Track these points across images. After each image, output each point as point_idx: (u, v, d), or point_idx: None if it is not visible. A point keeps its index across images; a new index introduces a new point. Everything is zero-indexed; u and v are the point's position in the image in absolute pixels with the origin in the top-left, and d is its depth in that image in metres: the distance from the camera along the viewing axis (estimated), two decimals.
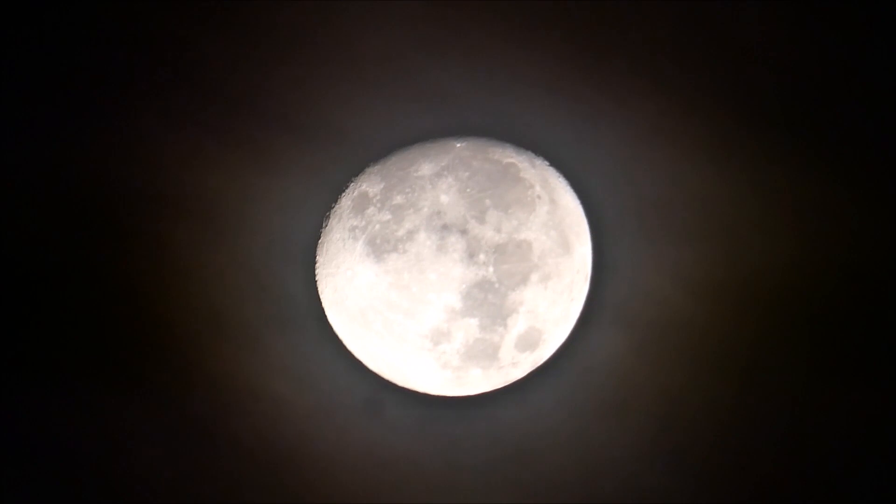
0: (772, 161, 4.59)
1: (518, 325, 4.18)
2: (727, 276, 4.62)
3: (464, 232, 4.05)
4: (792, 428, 4.68)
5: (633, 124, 4.54)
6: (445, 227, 4.06)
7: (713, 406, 4.70)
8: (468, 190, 4.11)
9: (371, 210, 4.18)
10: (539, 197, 4.22)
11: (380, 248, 4.11)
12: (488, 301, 4.08)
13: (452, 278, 4.05)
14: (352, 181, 4.37)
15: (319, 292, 4.42)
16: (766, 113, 4.58)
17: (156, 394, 4.63)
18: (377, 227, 4.14)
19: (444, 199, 4.10)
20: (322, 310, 4.43)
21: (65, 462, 4.63)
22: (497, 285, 4.08)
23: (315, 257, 4.42)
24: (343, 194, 4.35)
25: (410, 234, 4.07)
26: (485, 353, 4.20)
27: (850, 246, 4.59)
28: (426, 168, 4.19)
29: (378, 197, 4.20)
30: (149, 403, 4.62)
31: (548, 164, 4.44)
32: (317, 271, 4.41)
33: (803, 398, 4.67)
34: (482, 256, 4.05)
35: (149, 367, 4.60)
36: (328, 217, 4.37)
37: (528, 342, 4.26)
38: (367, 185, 4.28)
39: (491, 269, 4.06)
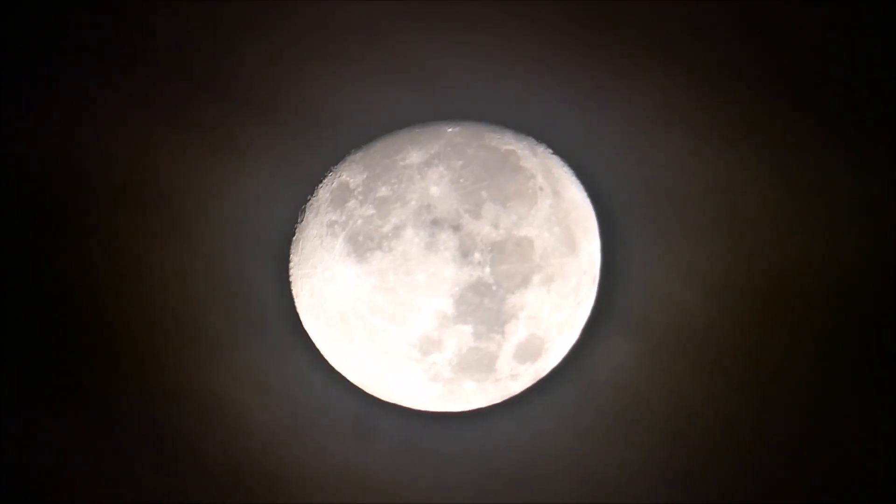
0: (802, 147, 4.43)
1: (518, 333, 4.05)
2: (752, 279, 4.46)
3: (457, 228, 3.93)
4: (823, 448, 4.52)
5: (647, 106, 4.39)
6: (436, 223, 3.94)
7: (734, 423, 4.55)
8: (461, 180, 4.00)
9: (352, 203, 4.06)
10: (541, 189, 4.10)
11: (362, 245, 3.99)
12: (484, 306, 3.96)
13: (444, 280, 3.93)
14: (330, 171, 4.26)
15: (294, 295, 4.31)
16: (796, 92, 4.43)
17: (107, 409, 4.46)
18: (359, 222, 4.01)
19: (434, 190, 3.99)
20: (296, 315, 4.32)
21: (5, 487, 4.42)
22: (494, 288, 3.95)
23: (289, 256, 4.30)
24: (320, 185, 4.24)
25: (396, 231, 3.96)
26: (480, 363, 4.07)
27: (889, 244, 4.41)
28: (414, 156, 4.08)
29: (360, 188, 4.08)
30: (99, 419, 4.44)
31: (551, 151, 4.31)
32: (291, 272, 4.30)
33: (836, 415, 4.51)
34: (477, 255, 3.93)
35: (98, 378, 4.43)
36: (304, 211, 4.26)
37: (528, 352, 4.13)
38: (348, 174, 4.16)
39: (487, 269, 3.94)
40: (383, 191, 4.04)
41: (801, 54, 4.42)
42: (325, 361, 4.38)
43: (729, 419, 4.55)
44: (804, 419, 4.54)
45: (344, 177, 4.19)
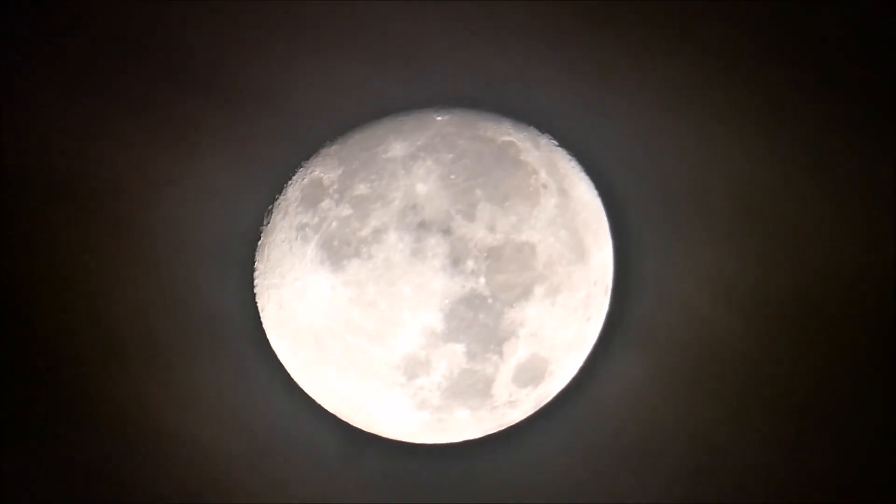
0: (841, 136, 4.29)
1: (517, 353, 3.89)
2: (784, 289, 4.35)
3: (447, 232, 3.78)
4: (864, 487, 4.33)
5: (666, 90, 4.28)
6: (423, 226, 3.78)
7: (762, 457, 4.45)
8: (452, 177, 3.84)
9: (326, 203, 3.91)
10: (545, 186, 3.95)
11: (337, 252, 3.83)
12: (479, 321, 3.80)
13: (432, 292, 3.77)
14: (301, 165, 4.13)
15: (259, 309, 4.17)
16: (833, 71, 4.29)
17: (39, 435, 4.31)
18: (334, 224, 3.86)
19: (420, 188, 3.83)
20: (262, 333, 4.20)
21: None
22: (490, 301, 3.79)
23: (253, 264, 4.18)
24: (289, 182, 4.11)
25: (377, 235, 3.79)
26: (474, 388, 3.93)
27: None
28: (398, 148, 3.91)
29: (335, 186, 3.92)
30: (30, 447, 4.30)
31: (556, 143, 4.17)
32: (255, 282, 4.16)
33: (879, 448, 4.32)
34: (471, 263, 3.76)
35: (29, 400, 4.29)
36: (270, 212, 4.13)
37: (530, 375, 3.98)
38: (322, 170, 4.02)
39: (482, 279, 3.78)
40: (362, 188, 3.88)
41: (838, 26, 4.27)
42: (296, 386, 4.25)
43: (756, 452, 4.44)
44: (843, 454, 4.38)
45: (317, 172, 4.05)
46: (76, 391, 4.33)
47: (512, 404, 4.07)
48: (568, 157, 4.20)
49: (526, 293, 3.85)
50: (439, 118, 4.06)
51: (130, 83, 4.21)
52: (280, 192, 4.14)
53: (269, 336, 4.24)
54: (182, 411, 4.34)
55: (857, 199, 4.36)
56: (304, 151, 4.14)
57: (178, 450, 4.35)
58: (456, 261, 3.77)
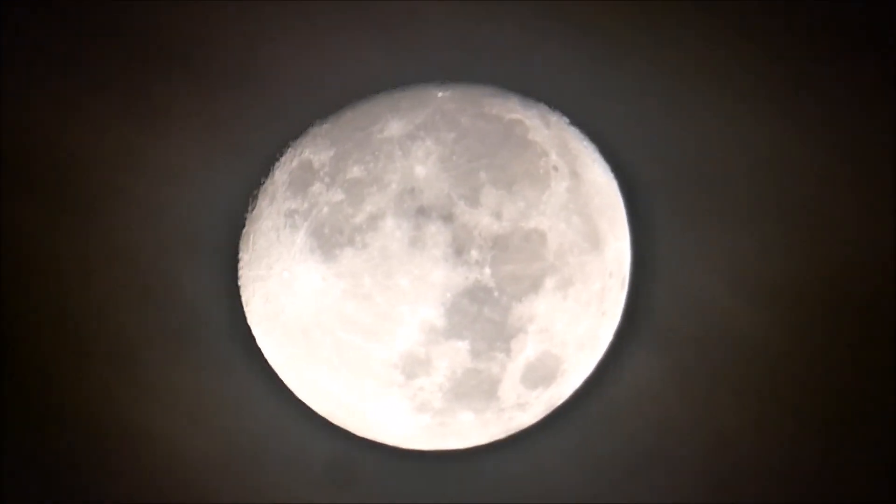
0: (871, 115, 4.11)
1: (526, 351, 3.78)
2: (818, 283, 4.16)
3: (448, 218, 3.66)
4: None
5: (686, 65, 4.10)
6: (422, 212, 3.67)
7: (790, 461, 4.26)
8: (454, 158, 3.72)
9: (317, 187, 3.81)
10: (556, 168, 3.82)
11: (329, 240, 3.73)
12: (484, 316, 3.69)
13: (432, 284, 3.66)
14: (289, 146, 4.03)
15: (243, 303, 4.07)
16: (863, 46, 4.12)
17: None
18: (325, 210, 3.75)
19: (419, 170, 3.71)
20: (247, 328, 4.11)
21: None
22: (496, 294, 3.67)
23: (237, 254, 4.08)
24: (276, 164, 4.02)
25: (373, 222, 3.68)
26: (479, 389, 3.81)
27: None
28: (395, 127, 3.79)
29: (326, 168, 3.81)
30: None
31: (568, 121, 4.05)
32: (240, 273, 4.06)
33: None
34: (475, 253, 3.65)
35: None
36: (255, 197, 4.03)
37: (540, 374, 3.86)
38: (311, 151, 3.91)
39: (487, 270, 3.66)
40: (355, 171, 3.77)
41: None
42: (283, 387, 4.16)
43: (783, 459, 4.31)
44: (880, 462, 4.22)
45: (306, 154, 3.94)
46: (37, 391, 4.24)
47: (521, 407, 3.98)
48: (581, 136, 4.10)
49: (535, 286, 3.75)
50: (440, 94, 3.96)
51: (99, 58, 4.07)
52: (266, 176, 4.05)
53: (254, 332, 4.16)
54: (156, 414, 4.24)
55: (891, 182, 4.20)
56: (292, 131, 4.05)
57: (152, 456, 4.25)
58: (458, 250, 3.68)
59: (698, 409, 4.28)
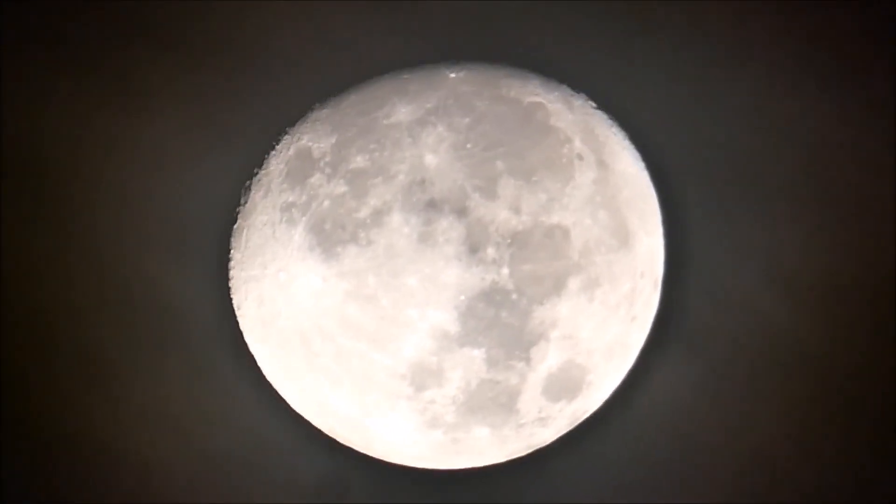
0: None
1: (548, 360, 3.66)
2: (862, 282, 4.10)
3: (462, 212, 3.56)
4: None
5: (721, 42, 4.09)
6: (433, 205, 3.57)
7: (833, 477, 4.20)
8: (468, 146, 3.62)
9: (317, 178, 3.71)
10: (580, 157, 3.70)
11: (330, 237, 3.63)
12: (501, 321, 3.57)
13: (444, 285, 3.56)
14: (286, 132, 3.95)
15: (235, 307, 3.99)
16: None
17: None
18: (326, 204, 3.64)
19: (430, 160, 3.61)
20: (239, 334, 4.02)
21: None
22: (515, 297, 3.56)
23: (228, 251, 3.99)
24: (272, 153, 3.93)
25: (378, 216, 3.58)
26: (496, 402, 3.72)
27: None
28: (403, 111, 3.70)
29: (328, 158, 3.71)
30: None
31: (594, 104, 3.96)
32: (231, 273, 3.98)
33: None
34: (491, 251, 3.54)
35: None
36: (248, 188, 3.95)
37: (563, 386, 3.75)
38: (311, 138, 3.83)
39: (505, 270, 3.55)
40: (359, 161, 3.67)
41: None
42: (280, 400, 4.09)
43: (826, 475, 4.22)
44: None
45: (305, 141, 3.87)
46: (14, 405, 4.16)
47: (542, 422, 3.89)
48: (609, 121, 4.02)
49: (558, 287, 3.65)
50: (452, 75, 3.88)
51: (74, 35, 3.94)
52: (260, 165, 3.97)
53: (246, 339, 4.09)
54: (135, 431, 4.19)
55: None
56: (290, 116, 3.97)
57: (131, 477, 4.18)
58: (473, 248, 3.59)
59: (735, 424, 4.26)
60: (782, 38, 4.10)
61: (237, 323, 4.07)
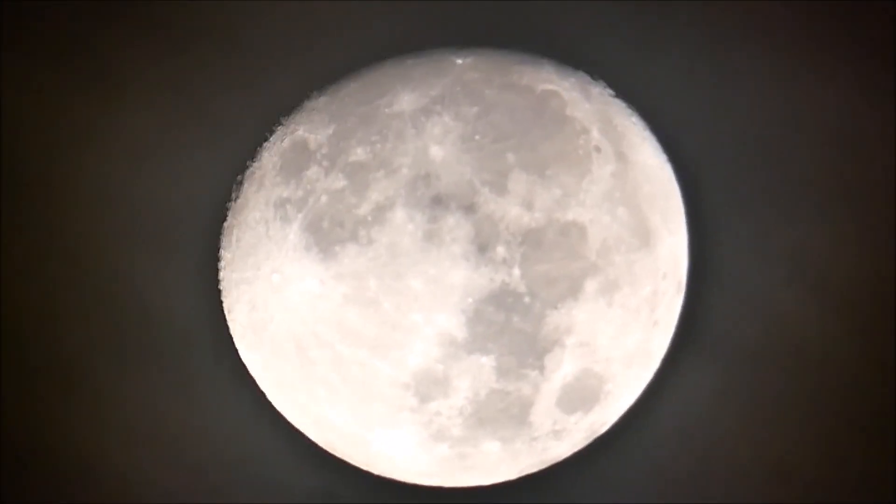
0: None
1: (563, 368, 3.53)
2: None
3: (470, 209, 3.43)
4: None
5: (751, 22, 3.88)
6: (439, 201, 3.43)
7: (868, 496, 3.98)
8: (477, 137, 3.48)
9: (313, 172, 3.58)
10: (598, 149, 3.57)
11: (328, 236, 3.50)
12: (512, 326, 3.45)
13: (451, 287, 3.43)
14: (280, 122, 3.85)
15: (225, 310, 3.89)
16: None
17: None
18: (323, 200, 3.51)
19: (435, 152, 3.48)
20: (229, 341, 3.90)
21: None
22: (527, 300, 3.43)
23: (217, 251, 3.88)
24: (265, 145, 3.82)
25: (380, 213, 3.46)
26: (507, 414, 3.59)
27: None
28: (406, 100, 3.57)
29: (325, 150, 3.58)
30: None
31: (612, 92, 3.84)
32: (221, 275, 3.87)
33: None
34: (501, 250, 3.40)
35: None
36: (239, 183, 3.85)
37: (580, 396, 3.62)
38: (307, 128, 3.70)
39: (516, 271, 3.42)
40: (359, 153, 3.54)
41: None
42: (273, 411, 3.98)
43: (861, 494, 4.01)
44: None
45: (300, 132, 3.75)
46: None
47: (556, 435, 3.76)
48: (628, 110, 3.89)
49: (573, 290, 3.52)
50: (460, 61, 3.76)
51: (46, 17, 3.80)
52: (252, 158, 3.87)
53: (237, 346, 3.98)
54: (117, 446, 4.01)
55: None
56: (284, 104, 3.86)
57: (112, 496, 3.96)
58: (482, 247, 3.46)
59: (764, 437, 4.05)
60: (819, 21, 3.87)
61: (227, 329, 3.95)
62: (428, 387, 3.60)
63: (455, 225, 3.47)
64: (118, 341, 3.98)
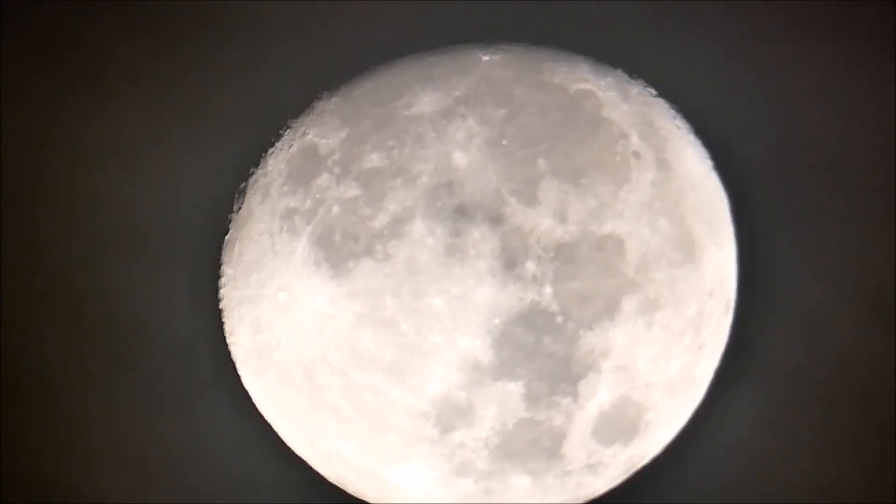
0: None
1: (599, 396, 3.36)
2: None
3: (497, 221, 3.28)
4: None
5: (808, 24, 3.70)
6: (462, 212, 3.29)
7: None
8: (504, 142, 3.35)
9: (324, 179, 3.43)
10: (637, 155, 3.43)
11: (340, 250, 3.36)
12: (543, 349, 3.29)
13: (476, 307, 3.28)
14: (289, 125, 3.69)
15: (226, 333, 3.74)
16: None
17: None
18: (335, 211, 3.38)
19: (459, 158, 3.34)
20: (231, 366, 3.74)
21: None
22: (560, 320, 3.26)
23: (218, 267, 3.74)
24: (271, 150, 3.68)
25: (397, 226, 3.31)
26: (537, 446, 3.42)
27: None
28: (426, 101, 3.44)
29: (337, 155, 3.44)
30: None
31: (653, 91, 3.70)
32: (221, 293, 3.72)
33: None
34: (531, 266, 3.24)
35: None
36: (243, 192, 3.72)
37: (617, 427, 3.47)
38: (317, 132, 3.54)
39: (548, 289, 3.26)
40: (374, 159, 3.41)
41: None
42: (279, 442, 3.83)
43: None
44: None
45: (310, 136, 3.60)
46: None
47: (592, 469, 3.62)
48: (671, 112, 3.75)
49: (610, 309, 3.38)
50: (486, 57, 3.64)
51: (33, 11, 3.65)
52: (257, 165, 3.75)
53: (239, 371, 3.83)
54: (109, 475, 3.84)
55: None
56: (292, 106, 3.72)
57: None
58: (510, 263, 3.32)
59: (818, 469, 3.82)
60: (878, 20, 3.68)
61: (229, 352, 3.82)
62: (450, 416, 3.47)
63: (480, 238, 3.35)
64: (110, 365, 3.85)
